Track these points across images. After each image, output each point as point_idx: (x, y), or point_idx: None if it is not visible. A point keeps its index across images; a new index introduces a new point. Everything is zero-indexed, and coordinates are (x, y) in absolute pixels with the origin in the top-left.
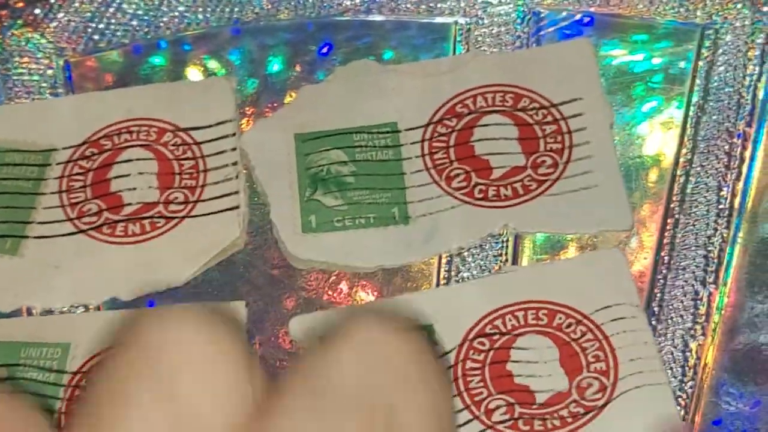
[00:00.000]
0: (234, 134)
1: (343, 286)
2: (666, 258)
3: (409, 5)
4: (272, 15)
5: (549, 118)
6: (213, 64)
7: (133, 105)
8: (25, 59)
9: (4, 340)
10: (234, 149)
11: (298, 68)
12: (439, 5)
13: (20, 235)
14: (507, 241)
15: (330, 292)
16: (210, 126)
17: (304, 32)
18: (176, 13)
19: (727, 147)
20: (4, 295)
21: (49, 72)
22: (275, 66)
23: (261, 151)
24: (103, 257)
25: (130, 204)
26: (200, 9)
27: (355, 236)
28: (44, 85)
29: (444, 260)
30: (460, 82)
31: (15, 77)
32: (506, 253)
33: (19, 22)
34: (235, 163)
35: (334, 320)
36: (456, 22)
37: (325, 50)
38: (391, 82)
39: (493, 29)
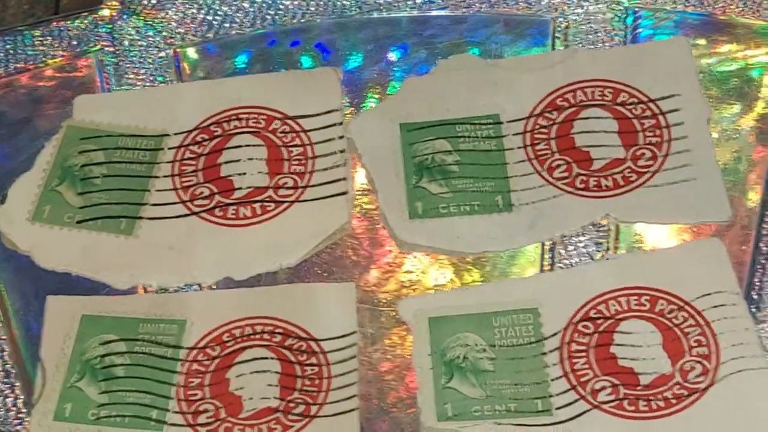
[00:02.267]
0: (341, 123)
1: (449, 269)
2: (765, 248)
3: (509, 1)
4: (374, 9)
5: (647, 113)
6: (309, 58)
7: (243, 93)
8: (137, 48)
9: (123, 315)
10: (341, 137)
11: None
12: (537, 2)
13: (135, 216)
14: (608, 229)
15: (436, 275)
16: (318, 114)
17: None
18: (281, 6)
19: None
20: (120, 274)
21: (159, 61)
22: (371, 58)
23: (367, 139)
24: (215, 238)
25: (240, 188)
26: (304, 3)
27: (460, 222)
28: (154, 73)
29: (547, 247)
30: (561, 77)
31: (127, 65)
32: (608, 242)
33: (131, 11)
34: (342, 151)
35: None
36: (554, 19)
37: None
38: (493, 76)
39: (590, 26)
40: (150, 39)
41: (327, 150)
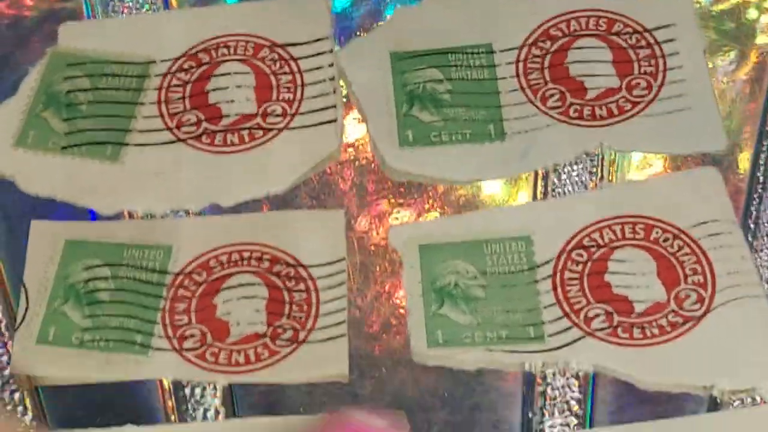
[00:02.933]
0: (330, 51)
1: (438, 197)
2: (761, 177)
3: None
4: None
5: (642, 43)
6: None
7: (230, 21)
8: None
9: (108, 241)
10: (331, 65)
11: None
12: None
13: (121, 143)
14: (602, 158)
15: (426, 203)
16: (307, 42)
17: None
18: None
19: None
20: (105, 199)
21: None
22: None
23: (357, 68)
24: (203, 165)
25: (228, 115)
26: None
27: (452, 151)
28: (140, 1)
29: (540, 176)
30: (555, 6)
31: None
32: (601, 171)
33: None
34: (332, 79)
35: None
36: None
37: None
38: (485, 6)
39: None
40: None
41: (316, 78)
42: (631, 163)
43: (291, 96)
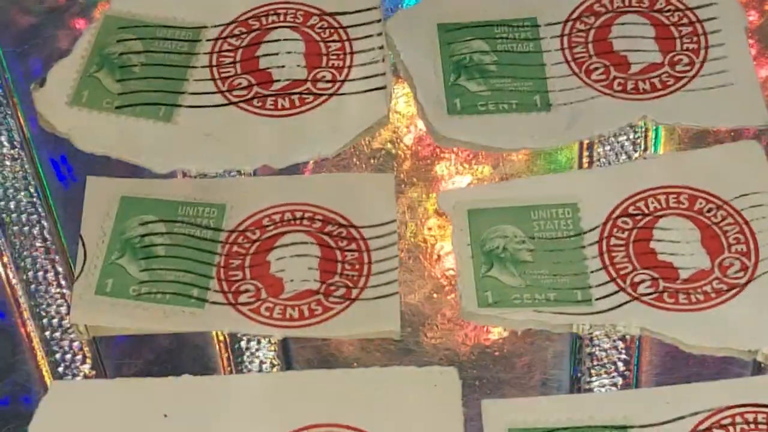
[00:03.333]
0: (379, 20)
1: (486, 165)
2: None
3: None
4: None
5: (684, 20)
6: None
7: None
8: None
9: (163, 198)
10: (380, 34)
11: None
12: None
13: (173, 104)
14: (645, 130)
15: (474, 170)
16: (356, 12)
17: None
18: None
19: None
20: (158, 158)
21: None
22: None
23: (405, 38)
24: (254, 128)
25: (278, 80)
26: None
27: (499, 119)
28: None
29: (585, 146)
30: None
31: None
32: (645, 142)
33: None
34: (381, 47)
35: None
36: None
37: None
38: None
39: None
40: None
41: (365, 46)
42: (673, 136)
43: (340, 63)
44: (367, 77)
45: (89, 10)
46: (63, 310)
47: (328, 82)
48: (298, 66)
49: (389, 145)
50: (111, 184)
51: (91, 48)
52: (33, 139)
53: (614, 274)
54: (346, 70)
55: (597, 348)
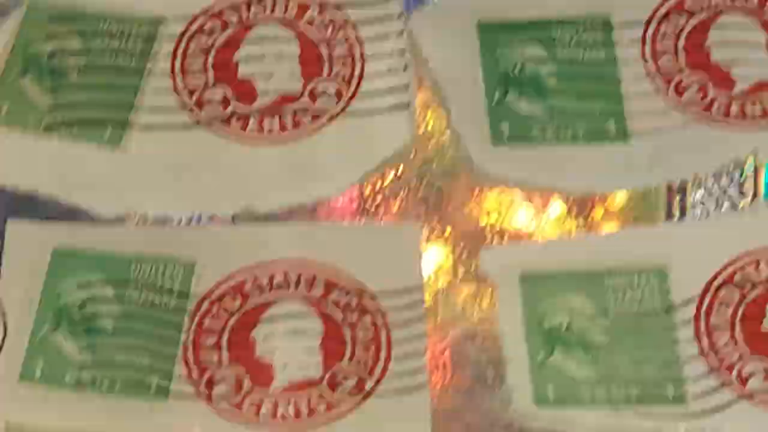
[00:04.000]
0: (401, 15)
1: (544, 213)
2: None
3: None
4: None
5: None
6: None
7: None
8: None
9: (110, 251)
10: (401, 33)
11: None
12: None
13: (123, 123)
14: (755, 170)
15: (528, 219)
16: (369, 4)
17: None
18: None
19: None
20: (104, 196)
21: None
22: None
23: (435, 40)
24: (232, 157)
25: (265, 93)
26: None
27: (561, 152)
28: None
29: (674, 189)
30: None
31: None
32: (754, 186)
33: None
34: (402, 51)
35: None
36: None
37: None
38: None
39: None
40: None
41: (382, 49)
42: None
43: (348, 72)
44: (383, 92)
45: None
46: None
47: (331, 97)
48: (291, 75)
49: (414, 183)
50: (40, 231)
51: (12, 46)
52: None
53: (716, 364)
54: (356, 82)
55: None
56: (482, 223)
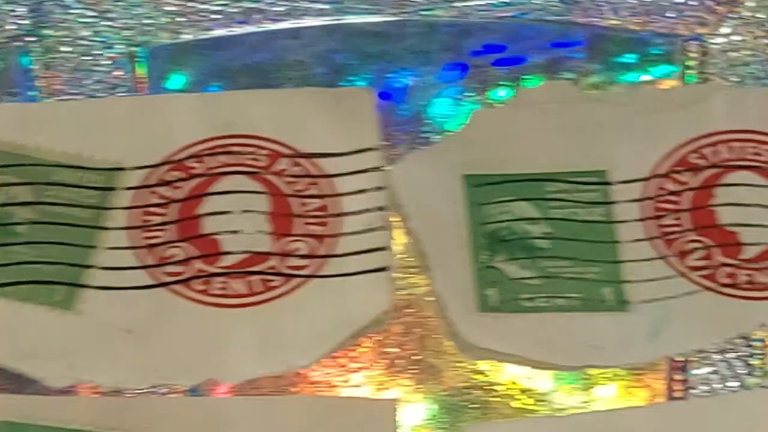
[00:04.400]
0: (379, 168)
1: (533, 383)
2: None
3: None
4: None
5: None
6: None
7: (238, 115)
8: (79, 40)
9: (59, 426)
10: (379, 188)
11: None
12: (663, 16)
13: (76, 284)
14: (766, 345)
15: (515, 394)
16: (345, 154)
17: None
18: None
19: None
20: (53, 365)
21: (112, 63)
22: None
23: (417, 194)
24: (194, 322)
25: (231, 252)
26: None
27: (553, 322)
28: (105, 78)
29: (677, 366)
30: (698, 123)
31: (65, 63)
32: (766, 363)
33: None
34: (381, 208)
35: None
36: (686, 40)
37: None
38: (598, 115)
39: (741, 54)
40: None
41: (359, 205)
42: None
43: (322, 229)
44: (360, 252)
45: None
46: None
47: (304, 257)
48: (260, 232)
49: (390, 354)
50: None
51: None
52: None
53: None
54: (330, 241)
55: None
56: (466, 397)
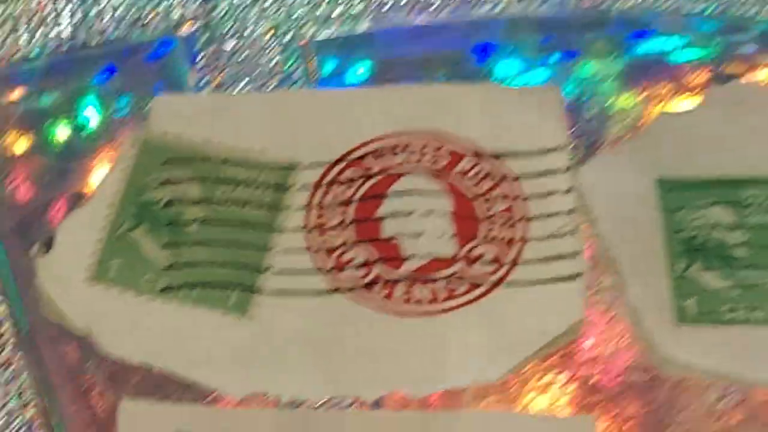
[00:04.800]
0: (568, 169)
1: (733, 409)
2: None
3: None
4: None
5: None
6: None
7: (417, 111)
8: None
9: None
10: (568, 191)
11: None
12: None
13: (250, 288)
14: None
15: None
16: (532, 154)
17: None
18: None
19: None
20: (232, 374)
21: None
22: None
23: (606, 197)
24: (376, 331)
25: (413, 256)
26: None
27: (757, 336)
28: (274, 70)
29: None
30: None
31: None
32: None
33: None
34: (571, 211)
35: None
36: None
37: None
38: None
39: None
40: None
41: (548, 209)
42: None
43: (510, 234)
44: (551, 258)
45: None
46: None
47: (489, 263)
48: (444, 236)
49: (583, 369)
50: (156, 413)
51: (124, 192)
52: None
53: None
54: (518, 246)
55: None
56: (659, 417)
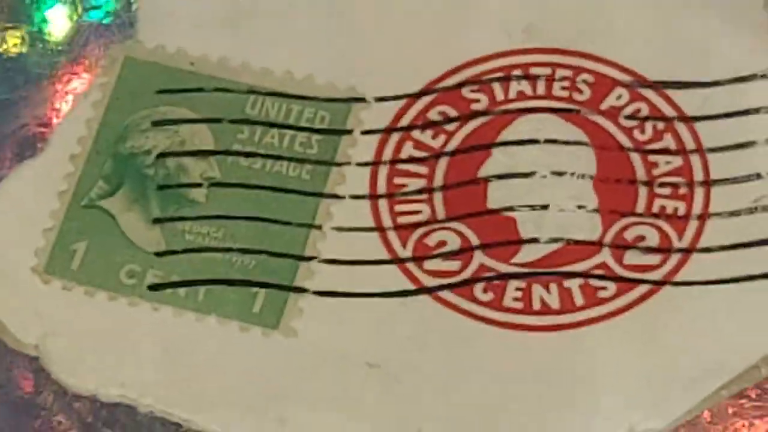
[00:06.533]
0: None
1: None
2: None
3: None
4: None
5: None
6: None
7: (543, 17)
8: None
9: None
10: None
11: None
12: None
13: (286, 286)
14: None
15: None
16: (716, 84)
17: None
18: None
19: None
20: (257, 421)
21: None
22: None
23: None
24: (475, 352)
25: (534, 240)
26: None
27: None
28: None
29: None
30: None
31: None
32: None
33: None
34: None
35: None
36: None
37: None
38: None
39: None
40: None
41: (740, 168)
42: None
43: (683, 206)
44: (743, 245)
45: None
46: None
47: (653, 252)
48: (581, 208)
49: None
50: None
51: (94, 136)
52: None
53: None
54: (694, 224)
55: None
56: None
